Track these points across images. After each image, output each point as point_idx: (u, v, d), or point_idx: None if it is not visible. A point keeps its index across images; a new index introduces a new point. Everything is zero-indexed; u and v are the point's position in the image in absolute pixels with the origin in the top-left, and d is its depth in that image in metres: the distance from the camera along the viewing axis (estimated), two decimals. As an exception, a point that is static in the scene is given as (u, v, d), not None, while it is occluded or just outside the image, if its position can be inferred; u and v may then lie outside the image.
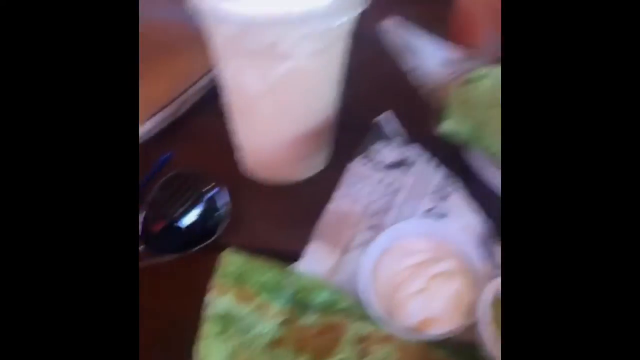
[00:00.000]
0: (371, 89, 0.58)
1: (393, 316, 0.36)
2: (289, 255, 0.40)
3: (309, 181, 0.48)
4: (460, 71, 0.57)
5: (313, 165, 0.49)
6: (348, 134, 0.48)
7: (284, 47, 0.38)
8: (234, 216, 0.44)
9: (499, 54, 0.58)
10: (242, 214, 0.45)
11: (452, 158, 0.48)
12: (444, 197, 0.42)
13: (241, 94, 0.43)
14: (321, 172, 0.49)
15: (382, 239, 0.38)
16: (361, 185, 0.43)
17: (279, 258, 0.40)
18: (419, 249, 0.38)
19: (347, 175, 0.43)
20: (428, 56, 0.56)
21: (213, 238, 0.43)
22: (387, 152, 0.45)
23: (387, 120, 0.48)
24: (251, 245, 0.41)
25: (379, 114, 0.49)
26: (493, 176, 0.44)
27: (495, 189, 0.45)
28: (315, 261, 0.39)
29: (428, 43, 0.58)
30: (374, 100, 0.56)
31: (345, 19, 0.39)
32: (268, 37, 0.37)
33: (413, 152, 0.46)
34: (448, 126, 0.45)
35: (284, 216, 0.45)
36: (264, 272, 0.36)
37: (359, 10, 0.40)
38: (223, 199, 0.45)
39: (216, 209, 0.44)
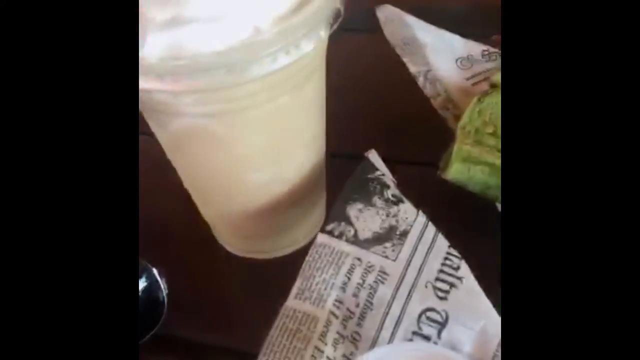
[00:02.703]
0: (364, 108, 0.44)
1: None
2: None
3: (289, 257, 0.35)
4: (485, 73, 0.43)
5: (298, 235, 0.35)
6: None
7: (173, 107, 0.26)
8: (177, 303, 0.32)
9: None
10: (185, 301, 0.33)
11: (467, 218, 0.32)
12: (446, 291, 0.27)
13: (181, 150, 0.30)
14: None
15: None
16: (332, 269, 0.28)
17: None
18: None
19: (314, 253, 0.28)
20: (440, 54, 0.43)
21: (154, 330, 0.32)
22: (369, 216, 0.29)
23: (373, 162, 0.32)
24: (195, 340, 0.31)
25: (370, 146, 0.36)
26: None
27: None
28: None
29: (439, 36, 0.44)
30: (368, 123, 0.42)
31: (291, 58, 0.25)
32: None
33: (405, 214, 0.30)
34: (454, 173, 0.31)
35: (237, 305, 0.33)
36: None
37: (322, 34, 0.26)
38: (161, 283, 0.33)
39: (156, 296, 0.32)
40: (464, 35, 0.43)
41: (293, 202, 0.33)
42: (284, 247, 0.35)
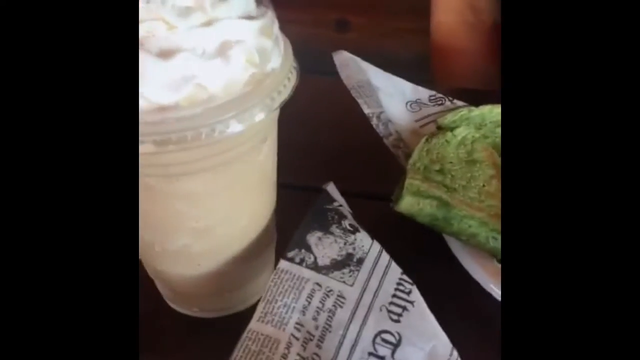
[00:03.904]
0: (322, 144, 0.47)
1: None
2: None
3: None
4: (432, 116, 0.47)
5: (250, 293, 0.35)
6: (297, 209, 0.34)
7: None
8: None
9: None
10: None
11: (417, 247, 0.36)
12: (399, 314, 0.29)
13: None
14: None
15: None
16: (293, 294, 0.29)
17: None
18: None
19: (276, 278, 0.30)
20: (392, 98, 0.46)
21: None
22: (328, 244, 0.31)
23: (331, 194, 0.34)
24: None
25: (328, 179, 0.38)
26: (474, 271, 0.33)
27: (481, 288, 0.33)
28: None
29: (391, 81, 0.47)
30: (326, 159, 0.44)
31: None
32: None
33: (361, 243, 0.32)
34: (405, 206, 0.34)
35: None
36: None
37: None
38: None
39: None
40: (413, 81, 0.47)
41: (253, 251, 0.33)
42: (228, 307, 0.35)
